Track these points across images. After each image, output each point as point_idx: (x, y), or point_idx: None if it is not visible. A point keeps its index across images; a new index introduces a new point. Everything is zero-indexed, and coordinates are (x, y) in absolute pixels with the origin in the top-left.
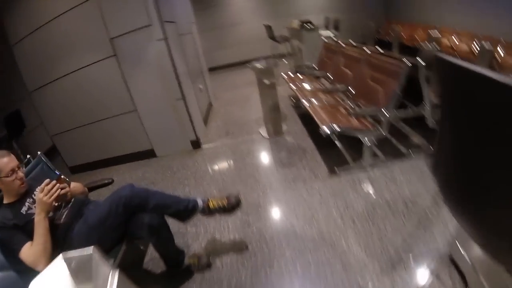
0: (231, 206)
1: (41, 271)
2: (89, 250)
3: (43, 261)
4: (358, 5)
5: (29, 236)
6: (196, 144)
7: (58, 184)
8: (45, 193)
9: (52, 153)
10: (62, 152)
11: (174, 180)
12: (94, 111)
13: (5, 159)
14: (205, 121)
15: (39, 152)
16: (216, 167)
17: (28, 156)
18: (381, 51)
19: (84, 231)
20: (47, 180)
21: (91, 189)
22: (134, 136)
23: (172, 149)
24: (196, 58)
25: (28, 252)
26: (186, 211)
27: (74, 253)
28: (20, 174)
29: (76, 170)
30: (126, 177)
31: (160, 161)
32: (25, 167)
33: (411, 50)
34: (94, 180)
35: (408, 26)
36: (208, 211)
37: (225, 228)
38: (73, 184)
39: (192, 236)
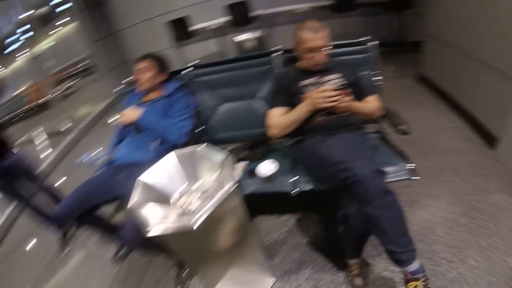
0: None
1: (269, 136)
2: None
3: (278, 132)
4: None
5: (285, 103)
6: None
7: (340, 96)
8: (323, 96)
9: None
10: (423, 57)
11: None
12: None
13: (309, 34)
14: None
15: (370, 43)
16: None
17: (356, 40)
18: None
19: (310, 151)
20: (333, 87)
21: (383, 118)
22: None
23: None
24: None
25: (275, 115)
26: (390, 253)
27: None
28: (319, 57)
29: (414, 83)
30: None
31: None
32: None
33: None
34: (396, 116)
35: None
36: (405, 281)
37: None
38: (369, 99)
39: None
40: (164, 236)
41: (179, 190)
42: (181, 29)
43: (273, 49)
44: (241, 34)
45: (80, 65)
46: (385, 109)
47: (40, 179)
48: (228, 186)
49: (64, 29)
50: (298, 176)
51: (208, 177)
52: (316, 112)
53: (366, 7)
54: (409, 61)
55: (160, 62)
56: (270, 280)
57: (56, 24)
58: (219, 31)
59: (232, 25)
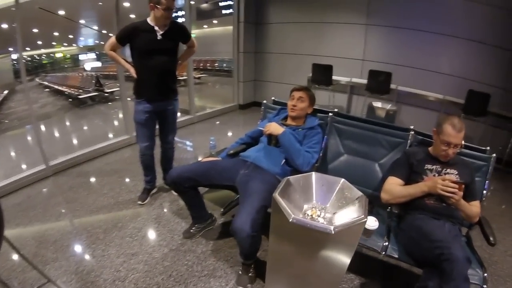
0: None
1: (381, 199)
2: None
3: (389, 199)
4: None
5: (404, 177)
6: None
7: (456, 190)
8: (444, 184)
9: None
10: None
11: None
12: None
13: (452, 131)
14: None
15: (491, 155)
16: None
17: (479, 147)
18: None
19: (412, 225)
20: (454, 180)
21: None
22: None
23: None
24: None
25: (393, 183)
26: None
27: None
28: (451, 152)
29: None
30: None
31: None
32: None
33: None
34: (488, 227)
35: None
36: None
37: None
38: (473, 203)
39: None
40: (296, 227)
41: (308, 203)
42: (324, 75)
43: (410, 127)
44: (373, 99)
45: (217, 64)
46: (480, 218)
47: (174, 133)
48: (359, 218)
49: (218, 28)
50: (388, 243)
51: (335, 205)
52: (429, 195)
53: (494, 117)
54: None
55: (312, 97)
56: None
57: (214, 22)
58: (353, 89)
59: (367, 89)
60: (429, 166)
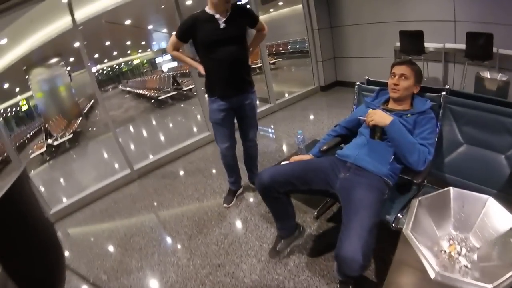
0: None
1: None
2: None
3: None
4: None
5: None
6: None
7: None
8: None
9: None
10: None
11: None
12: None
13: None
14: None
15: None
16: None
17: None
18: None
19: None
20: None
21: None
22: None
23: None
24: None
25: None
26: None
27: None
28: None
29: None
30: None
31: None
32: None
33: None
34: None
35: None
36: None
37: None
38: None
39: None
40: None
41: (443, 230)
42: (415, 43)
43: None
44: (474, 68)
45: (289, 46)
46: None
47: (255, 130)
48: None
49: (285, 10)
50: None
51: (480, 235)
52: None
53: None
54: None
55: (418, 72)
56: None
57: (279, 3)
58: (447, 57)
59: (466, 55)
60: None
